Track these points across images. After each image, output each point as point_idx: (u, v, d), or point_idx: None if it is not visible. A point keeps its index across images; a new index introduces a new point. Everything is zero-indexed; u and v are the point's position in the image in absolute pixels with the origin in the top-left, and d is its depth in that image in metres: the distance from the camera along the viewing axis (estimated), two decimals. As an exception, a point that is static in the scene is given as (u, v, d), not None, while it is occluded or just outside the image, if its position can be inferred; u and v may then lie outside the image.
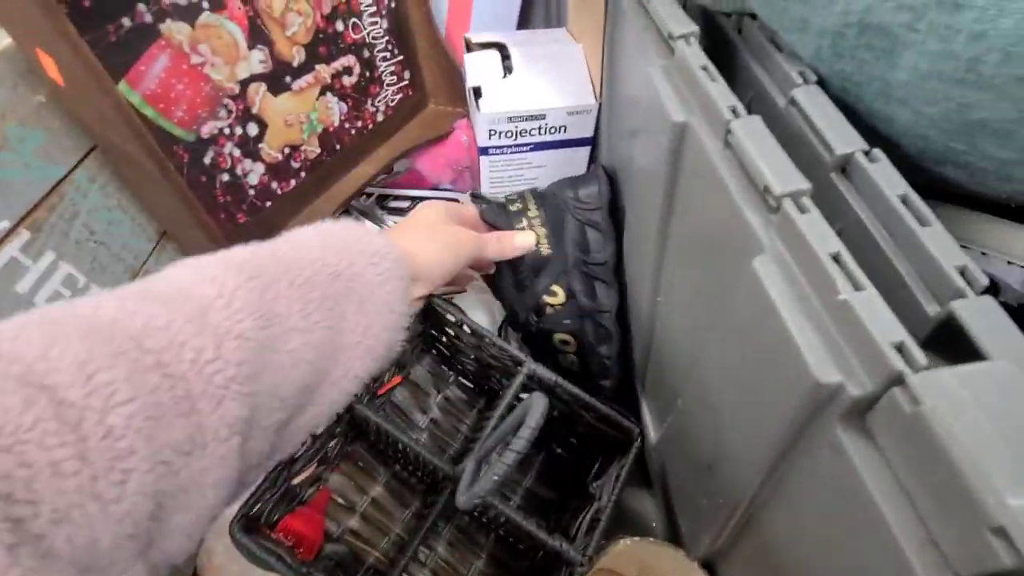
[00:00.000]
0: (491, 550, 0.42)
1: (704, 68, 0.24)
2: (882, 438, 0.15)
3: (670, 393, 0.34)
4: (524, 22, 0.60)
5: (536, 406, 0.26)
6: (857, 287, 0.16)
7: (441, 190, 0.65)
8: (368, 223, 0.60)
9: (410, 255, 0.33)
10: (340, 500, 0.41)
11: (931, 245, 0.17)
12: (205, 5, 0.38)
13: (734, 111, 0.22)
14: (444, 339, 0.45)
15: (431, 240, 0.35)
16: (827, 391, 0.15)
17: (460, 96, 0.61)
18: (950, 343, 0.16)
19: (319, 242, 0.29)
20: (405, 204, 0.66)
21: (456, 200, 0.42)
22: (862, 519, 0.15)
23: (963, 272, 0.16)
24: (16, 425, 0.15)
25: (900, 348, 0.14)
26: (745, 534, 0.25)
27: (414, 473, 0.43)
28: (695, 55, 0.25)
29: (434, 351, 0.48)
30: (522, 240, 0.39)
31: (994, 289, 0.31)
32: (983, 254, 0.31)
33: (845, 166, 0.21)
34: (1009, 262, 0.30)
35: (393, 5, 0.54)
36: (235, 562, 0.40)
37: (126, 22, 0.34)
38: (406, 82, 0.58)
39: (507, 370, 0.41)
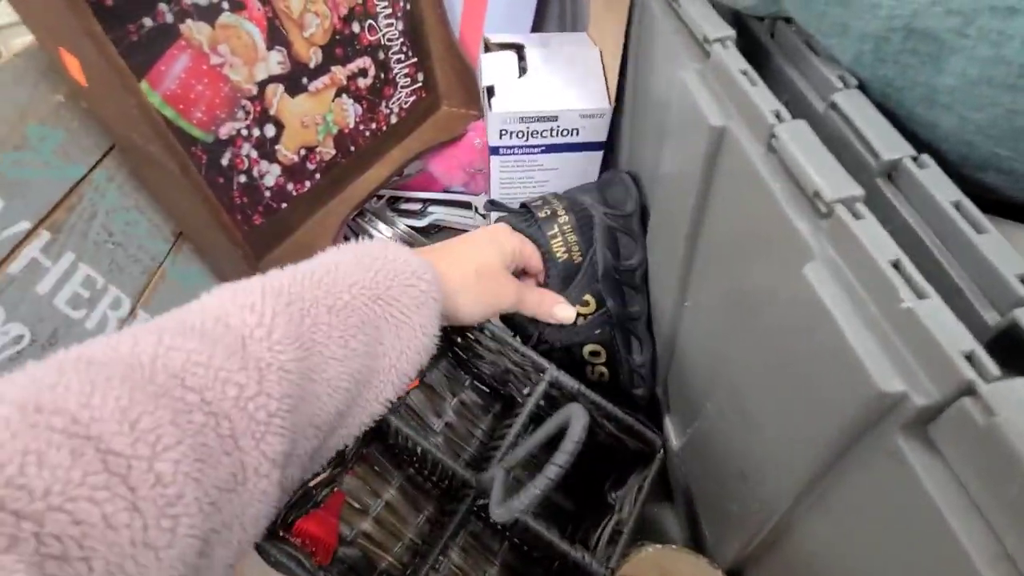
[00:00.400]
0: (505, 558, 0.41)
1: (744, 72, 0.24)
2: (948, 449, 0.15)
3: (696, 398, 0.34)
4: (538, 25, 0.60)
5: (577, 419, 0.25)
6: (920, 295, 0.15)
7: (453, 192, 0.65)
8: (386, 230, 0.60)
9: (446, 282, 0.32)
10: (354, 503, 0.41)
11: (989, 253, 0.17)
12: (225, 5, 0.38)
13: (778, 115, 0.21)
14: (461, 342, 0.44)
15: (475, 285, 0.34)
16: (890, 400, 0.15)
17: (473, 98, 0.61)
18: (1009, 353, 0.15)
19: (356, 263, 0.28)
20: (416, 206, 0.65)
21: (505, 214, 0.42)
22: (924, 531, 0.15)
23: (1024, 280, 0.16)
24: (66, 482, 0.15)
25: (970, 357, 0.14)
26: (781, 542, 0.25)
27: (428, 478, 0.42)
28: (733, 58, 0.24)
29: (450, 354, 0.47)
30: (562, 313, 0.37)
31: None
32: None
33: (892, 172, 0.20)
34: None
35: (408, 7, 0.54)
36: (253, 567, 0.40)
37: (147, 22, 0.34)
38: (420, 84, 0.58)
39: (527, 376, 0.41)
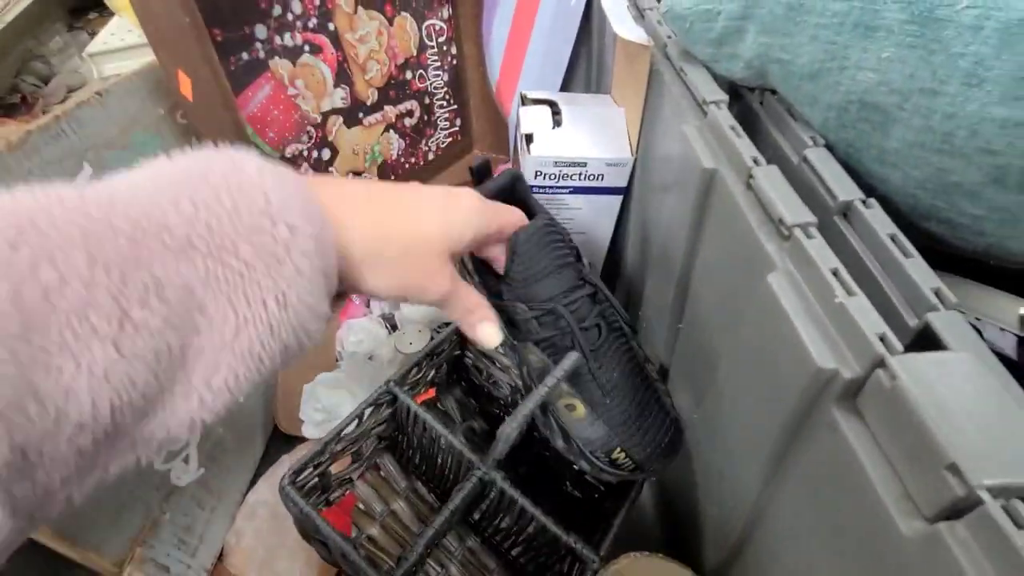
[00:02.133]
0: (501, 574, 0.43)
1: (732, 127, 0.29)
2: (869, 414, 0.19)
3: (686, 412, 0.37)
4: (566, 85, 0.67)
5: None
6: (850, 293, 0.20)
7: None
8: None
9: (351, 241, 0.24)
10: (363, 508, 0.43)
11: (912, 271, 0.21)
12: (306, 48, 0.45)
13: (755, 161, 0.26)
14: (473, 364, 0.48)
15: (395, 260, 0.26)
16: (825, 376, 0.19)
17: (503, 145, 0.68)
18: (925, 350, 0.20)
19: (177, 182, 0.19)
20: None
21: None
22: (853, 487, 0.19)
23: (937, 292, 0.20)
24: None
25: (883, 338, 0.18)
26: (753, 537, 0.28)
27: (433, 491, 0.45)
28: (724, 117, 0.30)
29: (462, 383, 0.51)
30: (485, 333, 0.31)
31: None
32: (977, 320, 0.35)
33: (846, 211, 0.25)
34: (1002, 328, 0.34)
35: (455, 62, 0.62)
36: (262, 545, 0.42)
37: (245, 56, 0.41)
38: (456, 128, 0.65)
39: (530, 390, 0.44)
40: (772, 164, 0.26)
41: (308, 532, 0.34)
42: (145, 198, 0.18)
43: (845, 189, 0.25)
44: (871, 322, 0.19)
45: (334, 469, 0.39)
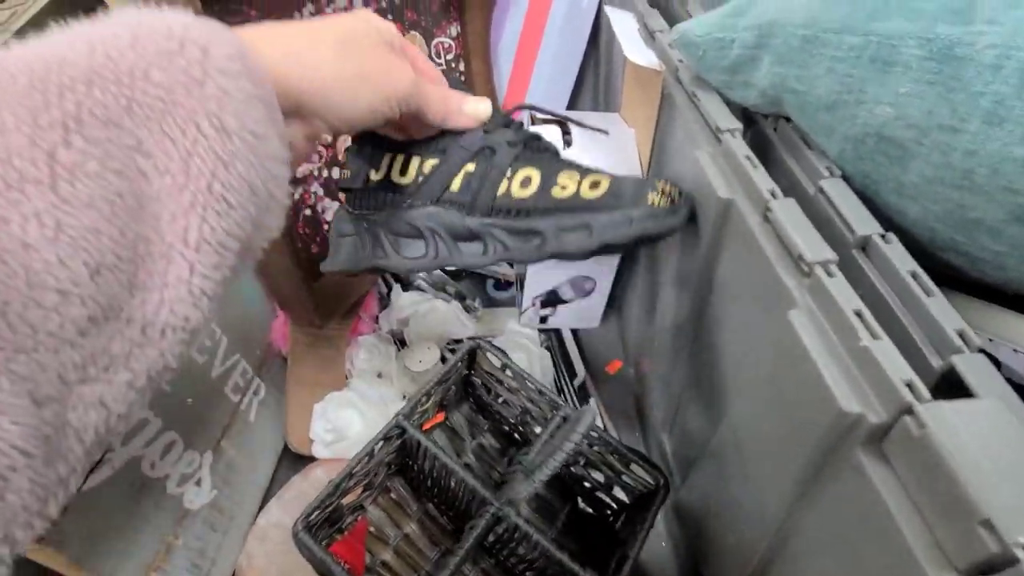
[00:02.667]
0: None
1: (748, 157, 0.29)
2: (896, 460, 0.18)
3: (700, 440, 0.37)
4: (573, 102, 0.67)
5: (585, 414, 0.29)
6: (875, 336, 0.20)
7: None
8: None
9: (283, 55, 0.23)
10: (375, 532, 0.43)
11: (936, 311, 0.21)
12: (318, 70, 0.46)
13: (773, 193, 0.26)
14: (482, 383, 0.48)
15: (339, 56, 0.24)
16: (850, 420, 0.19)
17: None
18: (949, 392, 0.19)
19: (53, 38, 0.18)
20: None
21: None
22: (880, 531, 0.19)
23: (961, 334, 0.20)
24: None
25: (910, 385, 0.18)
26: (770, 569, 0.28)
27: (446, 513, 0.45)
28: (739, 146, 0.30)
29: (471, 400, 0.51)
30: (476, 109, 0.30)
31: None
32: (990, 340, 0.35)
33: (864, 245, 0.25)
34: (1015, 350, 0.34)
35: (463, 79, 0.62)
36: (274, 566, 0.42)
37: (257, 79, 0.41)
38: (465, 144, 0.65)
39: (543, 416, 0.44)
40: (789, 196, 0.26)
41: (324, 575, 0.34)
42: (36, 46, 0.18)
43: (863, 222, 0.25)
44: (897, 367, 0.19)
45: (345, 500, 0.39)
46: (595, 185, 0.34)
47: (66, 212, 0.16)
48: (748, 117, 0.35)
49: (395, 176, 0.34)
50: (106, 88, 0.18)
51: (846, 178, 0.29)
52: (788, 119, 0.33)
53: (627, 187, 0.33)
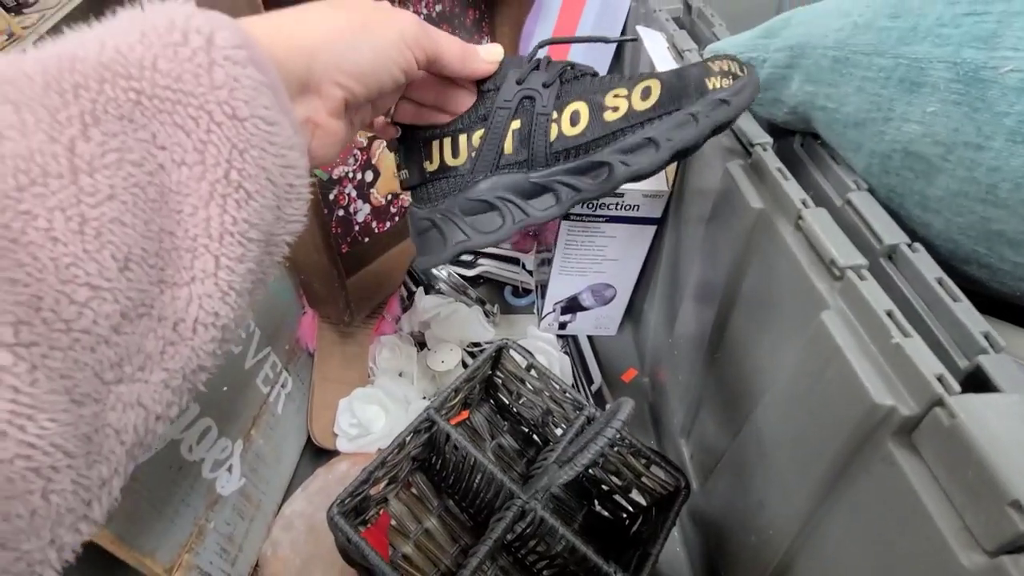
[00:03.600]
0: None
1: (779, 169, 0.31)
2: (926, 451, 0.20)
3: (720, 444, 0.38)
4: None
5: (626, 403, 0.30)
6: (906, 334, 0.21)
7: (502, 248, 0.72)
8: (441, 273, 0.66)
9: (278, 32, 0.22)
10: (397, 526, 0.44)
11: (962, 315, 0.22)
12: (360, 77, 0.48)
13: (804, 203, 0.28)
14: (504, 387, 0.49)
15: (333, 13, 0.24)
16: (882, 412, 0.20)
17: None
18: (976, 391, 0.21)
19: (64, 38, 0.19)
20: (468, 257, 0.73)
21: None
22: (910, 519, 0.20)
23: (987, 336, 0.21)
24: None
25: (940, 378, 0.19)
26: (792, 567, 0.29)
27: (466, 510, 0.46)
28: (771, 159, 0.32)
29: (492, 401, 0.52)
30: (487, 51, 0.30)
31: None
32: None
33: (891, 254, 0.27)
34: None
35: (491, 91, 0.64)
36: (298, 556, 0.43)
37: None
38: (490, 153, 0.67)
39: (565, 416, 0.45)
40: (821, 208, 0.28)
41: (353, 558, 0.35)
42: (48, 48, 0.18)
43: (891, 232, 0.27)
44: (928, 362, 0.20)
45: (372, 492, 0.40)
46: (647, 93, 0.31)
47: (89, 204, 0.17)
48: (775, 132, 0.37)
49: (448, 160, 0.33)
50: (116, 83, 0.18)
51: (872, 191, 0.30)
52: (815, 135, 0.34)
53: (682, 83, 0.30)
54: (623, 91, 0.31)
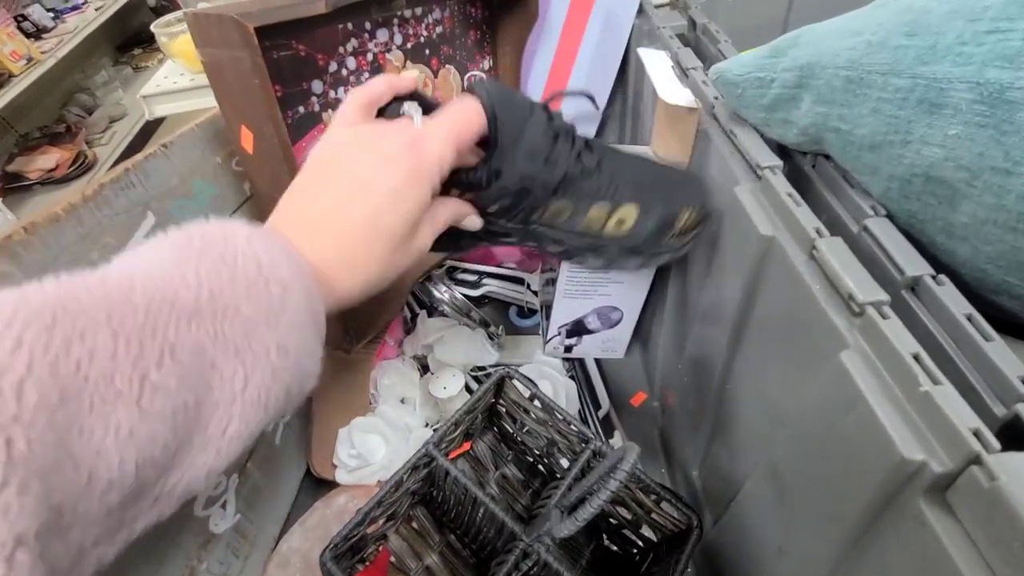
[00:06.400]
0: None
1: (790, 194, 0.29)
2: (962, 511, 0.18)
3: (734, 480, 0.36)
4: (599, 134, 0.68)
5: (631, 450, 0.28)
6: (936, 381, 0.19)
7: (505, 268, 0.71)
8: (446, 293, 0.65)
9: (320, 268, 0.26)
10: (396, 563, 0.42)
11: (996, 357, 0.20)
12: (358, 100, 0.47)
13: (818, 231, 0.26)
14: (508, 415, 0.47)
15: (370, 242, 0.27)
16: (911, 467, 0.19)
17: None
18: (1013, 440, 0.19)
19: (171, 257, 0.22)
20: (472, 277, 0.71)
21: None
22: (944, 587, 0.18)
23: (1025, 381, 0.20)
24: None
25: (977, 433, 0.17)
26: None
27: (468, 545, 0.44)
28: (781, 184, 0.30)
29: (495, 428, 0.50)
30: (470, 223, 0.34)
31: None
32: None
33: (914, 286, 0.25)
34: None
35: (493, 110, 0.63)
36: None
37: (301, 109, 0.43)
38: (492, 173, 0.66)
39: (571, 448, 0.43)
40: (836, 236, 0.26)
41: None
42: (156, 275, 0.21)
43: (913, 263, 0.25)
44: (963, 415, 0.18)
45: (369, 530, 0.38)
46: (620, 223, 0.37)
47: (140, 421, 0.19)
48: (785, 153, 0.35)
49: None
50: (202, 324, 0.21)
51: (891, 217, 0.28)
52: (827, 156, 0.33)
53: (647, 232, 0.37)
54: (605, 209, 0.37)
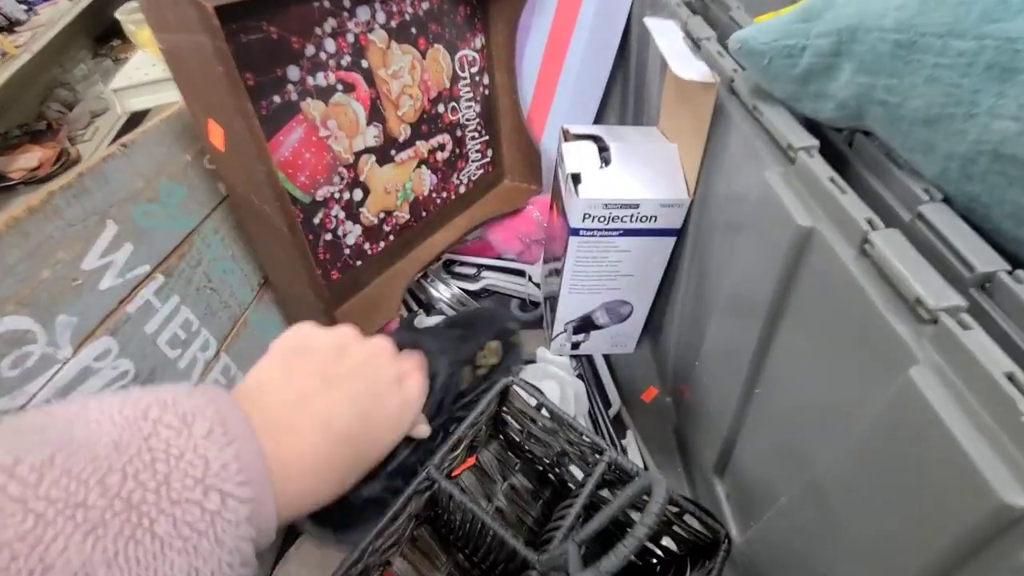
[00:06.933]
0: None
1: (832, 179, 0.25)
2: (1080, 570, 0.15)
3: (766, 491, 0.33)
4: (599, 118, 0.64)
5: (659, 484, 0.25)
6: (1039, 409, 0.16)
7: (504, 259, 0.67)
8: (445, 291, 0.62)
9: (285, 465, 0.22)
10: None
11: (1101, 372, 0.17)
12: (339, 87, 0.43)
13: (871, 223, 0.23)
14: (514, 422, 0.44)
15: (332, 454, 0.24)
16: (1015, 514, 0.15)
17: (535, 174, 0.65)
18: None
19: (102, 447, 0.18)
20: (471, 271, 0.68)
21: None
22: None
23: None
24: None
25: (1102, 477, 0.14)
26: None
27: (478, 564, 0.41)
28: (820, 167, 0.26)
29: (501, 436, 0.47)
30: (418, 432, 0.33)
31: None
32: None
33: (986, 284, 0.21)
34: None
35: (487, 92, 0.59)
36: None
37: (276, 99, 0.38)
38: (488, 159, 0.63)
39: (583, 458, 0.40)
40: (892, 228, 0.22)
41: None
42: (77, 465, 0.17)
43: (983, 256, 0.22)
44: (1080, 453, 0.15)
45: (370, 560, 0.35)
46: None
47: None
48: (813, 128, 0.32)
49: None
50: (105, 540, 0.17)
51: (948, 202, 0.25)
52: (866, 133, 0.29)
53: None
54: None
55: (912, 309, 0.20)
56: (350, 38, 0.42)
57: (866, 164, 0.29)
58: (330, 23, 0.40)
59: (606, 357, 0.58)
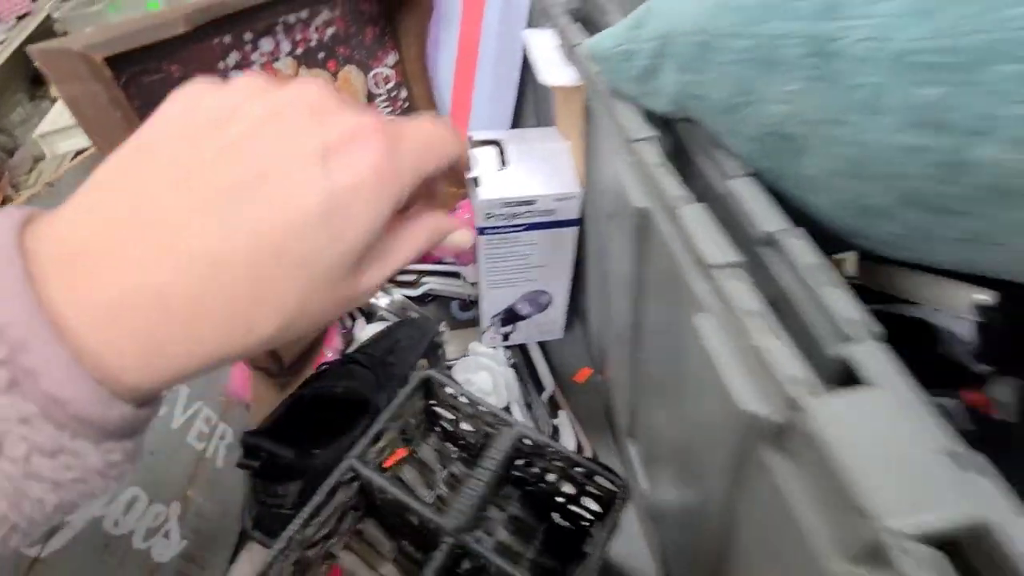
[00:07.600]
0: None
1: (659, 165, 0.30)
2: (795, 457, 0.19)
3: (656, 443, 0.37)
4: (517, 120, 0.68)
5: (510, 430, 0.29)
6: (765, 335, 0.20)
7: (444, 263, 0.71)
8: (384, 298, 0.65)
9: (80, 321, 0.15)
10: None
11: (834, 303, 0.21)
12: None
13: (682, 199, 0.27)
14: (445, 413, 0.47)
15: (190, 289, 0.16)
16: (749, 419, 0.19)
17: (462, 179, 0.69)
18: (850, 384, 0.20)
19: None
20: (411, 277, 0.71)
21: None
22: (786, 527, 0.19)
23: (858, 324, 0.20)
24: None
25: (796, 380, 0.18)
26: (725, 567, 0.28)
27: (421, 548, 0.44)
28: (651, 154, 0.31)
29: (437, 428, 0.50)
30: (460, 238, 0.25)
31: (932, 339, 0.35)
32: (935, 310, 0.36)
33: (769, 242, 0.26)
34: (957, 316, 0.35)
35: (407, 105, 0.63)
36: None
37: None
38: (416, 169, 0.66)
39: (500, 436, 0.44)
40: (704, 200, 0.27)
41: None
42: None
43: (768, 219, 0.26)
44: (785, 364, 0.19)
45: (310, 552, 0.38)
46: None
47: None
48: (667, 124, 0.36)
49: None
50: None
51: (759, 176, 0.29)
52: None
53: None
54: None
55: (704, 269, 0.24)
56: (256, 69, 0.45)
57: (699, 150, 0.33)
58: (233, 56, 0.43)
59: (542, 345, 0.61)
